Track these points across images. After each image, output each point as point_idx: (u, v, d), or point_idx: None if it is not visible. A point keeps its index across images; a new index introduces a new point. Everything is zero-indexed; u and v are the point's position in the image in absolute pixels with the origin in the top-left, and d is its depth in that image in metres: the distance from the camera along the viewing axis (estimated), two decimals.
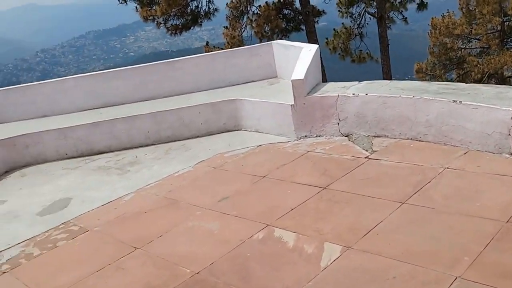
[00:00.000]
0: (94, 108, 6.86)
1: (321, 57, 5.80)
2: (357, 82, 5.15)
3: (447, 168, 3.67)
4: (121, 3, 12.52)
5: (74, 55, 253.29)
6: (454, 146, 4.00)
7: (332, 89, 5.10)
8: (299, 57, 5.35)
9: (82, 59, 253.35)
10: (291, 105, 5.10)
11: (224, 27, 12.78)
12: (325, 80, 7.43)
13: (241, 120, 5.88)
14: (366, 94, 4.67)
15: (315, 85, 5.28)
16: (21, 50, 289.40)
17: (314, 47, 5.44)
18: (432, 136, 4.18)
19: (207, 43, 12.30)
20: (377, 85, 4.92)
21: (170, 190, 4.43)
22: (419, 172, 3.70)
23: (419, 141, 4.30)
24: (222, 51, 7.86)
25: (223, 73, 6.94)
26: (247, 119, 5.82)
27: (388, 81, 5.17)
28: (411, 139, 4.38)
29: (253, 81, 6.94)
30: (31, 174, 5.76)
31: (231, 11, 12.39)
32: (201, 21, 12.96)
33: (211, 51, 10.67)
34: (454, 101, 3.94)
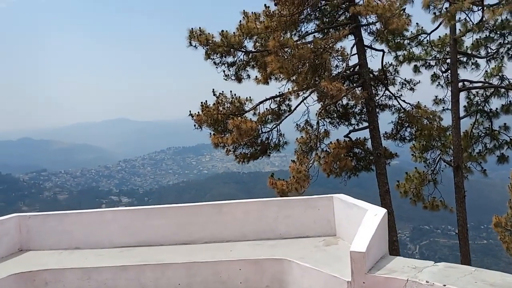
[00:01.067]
0: (128, 246, 6.31)
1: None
2: (432, 263, 4.11)
3: None
4: (197, 128, 12.76)
5: (152, 167, 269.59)
6: None
7: (400, 268, 4.08)
8: (362, 221, 4.46)
9: (159, 172, 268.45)
10: (348, 281, 4.11)
11: (292, 160, 12.36)
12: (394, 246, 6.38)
13: (287, 286, 4.91)
14: (444, 286, 3.60)
15: (380, 258, 4.30)
16: (105, 158, 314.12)
17: (381, 212, 4.56)
18: None
19: (272, 174, 11.84)
20: (458, 273, 3.84)
21: None
22: None
23: None
24: (276, 199, 7.16)
25: (274, 223, 6.24)
26: (293, 285, 4.84)
27: (473, 269, 4.04)
28: None
29: (307, 237, 6.11)
30: None
31: (300, 146, 12.08)
32: (269, 152, 12.84)
33: (275, 184, 10.20)
34: None
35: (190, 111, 13.19)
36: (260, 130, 12.39)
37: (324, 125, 13.23)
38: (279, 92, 13.59)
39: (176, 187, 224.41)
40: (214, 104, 13.07)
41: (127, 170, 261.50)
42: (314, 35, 13.59)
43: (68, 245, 6.52)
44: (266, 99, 13.62)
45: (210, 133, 13.53)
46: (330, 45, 10.84)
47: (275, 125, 12.68)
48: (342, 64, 13.04)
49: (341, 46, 11.81)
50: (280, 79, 12.76)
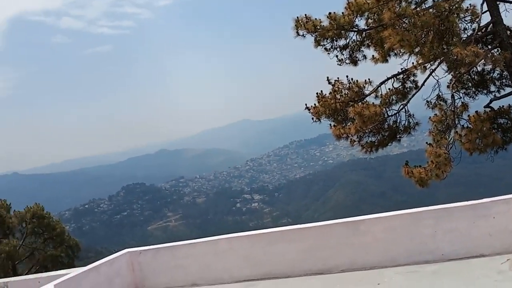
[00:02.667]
0: (251, 280, 5.42)
1: None
2: None
3: None
4: (315, 121, 12.04)
5: (278, 163, 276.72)
6: None
7: None
8: None
9: (285, 167, 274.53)
10: None
11: (427, 143, 10.91)
12: None
13: None
14: None
15: None
16: (234, 159, 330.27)
17: None
18: None
19: (407, 162, 10.44)
20: None
21: None
22: None
23: None
24: (429, 208, 5.16)
25: (432, 241, 4.77)
26: None
27: None
28: None
29: (481, 256, 4.51)
30: None
31: (435, 125, 10.60)
32: (399, 137, 11.50)
33: (411, 173, 8.96)
34: None
35: (306, 104, 12.48)
36: (386, 114, 11.18)
37: (460, 97, 11.54)
38: (402, 69, 12.22)
39: (303, 180, 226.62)
40: (330, 92, 12.18)
41: (255, 168, 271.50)
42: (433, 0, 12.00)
43: (184, 281, 6.02)
44: (388, 79, 12.34)
45: (330, 124, 12.68)
46: (456, 5, 9.30)
47: (402, 106, 11.36)
48: (470, 26, 11.28)
49: (470, 4, 10.12)
50: (400, 54, 11.43)
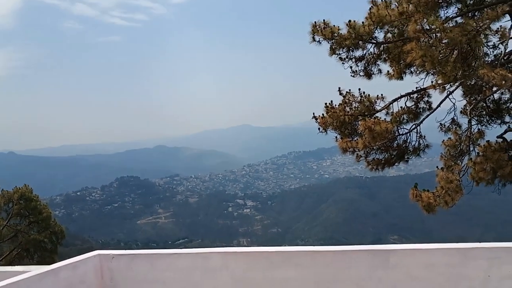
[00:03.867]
0: None
1: None
2: None
3: None
4: (321, 132, 11.52)
5: (274, 172, 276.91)
6: None
7: None
8: None
9: (281, 176, 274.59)
10: None
11: (437, 167, 10.37)
12: None
13: None
14: None
15: None
16: (230, 163, 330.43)
17: None
18: None
19: (416, 186, 9.83)
20: None
21: None
22: None
23: None
24: (485, 245, 4.04)
25: (483, 287, 3.72)
26: None
27: None
28: None
29: None
30: None
31: (448, 149, 10.10)
32: (407, 157, 10.95)
33: (419, 197, 8.43)
34: None
35: (313, 113, 11.95)
36: (397, 132, 10.68)
37: (477, 123, 11.06)
38: (417, 87, 11.73)
39: (298, 191, 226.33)
40: (340, 104, 11.68)
41: (251, 174, 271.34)
42: (455, 21, 11.56)
43: None
44: (401, 96, 11.81)
45: (336, 137, 12.16)
46: (485, 26, 8.84)
47: (414, 126, 10.87)
48: (493, 51, 10.82)
49: (501, 26, 9.65)
50: (418, 71, 10.94)
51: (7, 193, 18.52)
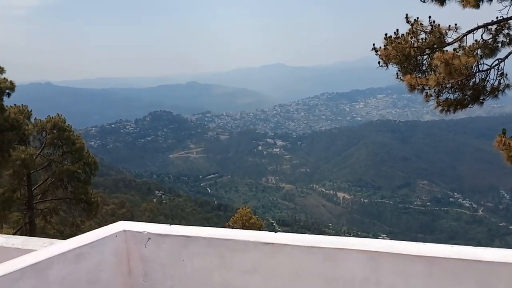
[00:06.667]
0: None
1: None
2: None
3: None
4: (381, 66, 10.12)
5: (306, 112, 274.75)
6: None
7: None
8: None
9: (312, 117, 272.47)
10: None
11: None
12: None
13: None
14: None
15: None
16: (262, 102, 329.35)
17: None
18: None
19: (504, 132, 8.32)
20: None
21: None
22: None
23: None
24: None
25: None
26: None
27: None
28: None
29: None
30: None
31: None
32: (483, 99, 9.44)
33: (508, 145, 7.07)
34: None
35: (373, 45, 10.47)
36: (477, 68, 9.15)
37: None
38: (497, 17, 10.01)
39: (328, 133, 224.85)
40: (407, 33, 10.12)
41: (282, 114, 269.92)
42: None
43: None
44: (478, 27, 10.13)
45: (397, 73, 10.74)
46: None
47: (497, 61, 9.28)
48: None
49: None
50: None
51: (40, 122, 18.04)
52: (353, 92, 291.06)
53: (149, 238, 3.08)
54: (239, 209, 24.73)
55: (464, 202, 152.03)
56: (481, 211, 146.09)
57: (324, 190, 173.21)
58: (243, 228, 23.88)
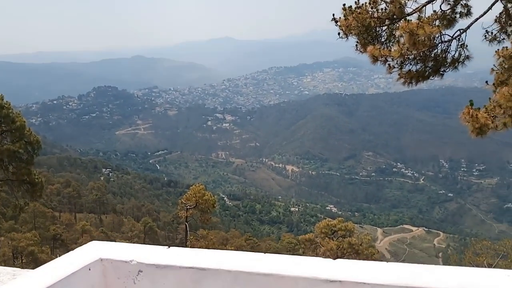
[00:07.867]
0: None
1: None
2: None
3: None
4: (341, 37, 9.76)
5: (254, 87, 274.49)
6: None
7: None
8: None
9: (261, 91, 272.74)
10: None
11: (486, 83, 8.48)
12: None
13: None
14: None
15: None
16: (210, 77, 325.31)
17: None
18: None
19: (471, 103, 8.08)
20: None
21: None
22: None
23: None
24: None
25: None
26: None
27: None
28: None
29: None
30: None
31: (502, 61, 8.52)
32: (443, 70, 9.38)
33: (476, 118, 6.99)
34: None
35: (333, 15, 10.14)
36: (440, 39, 9.05)
37: None
38: None
39: (277, 107, 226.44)
40: (363, 5, 9.86)
41: (231, 89, 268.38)
42: None
43: None
44: None
45: (356, 44, 10.51)
46: None
47: (459, 32, 9.22)
48: None
49: None
50: None
51: None
52: (300, 66, 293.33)
53: (140, 271, 2.04)
54: (191, 186, 24.19)
55: (407, 171, 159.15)
56: (422, 180, 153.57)
57: (273, 164, 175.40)
58: (196, 205, 23.33)
